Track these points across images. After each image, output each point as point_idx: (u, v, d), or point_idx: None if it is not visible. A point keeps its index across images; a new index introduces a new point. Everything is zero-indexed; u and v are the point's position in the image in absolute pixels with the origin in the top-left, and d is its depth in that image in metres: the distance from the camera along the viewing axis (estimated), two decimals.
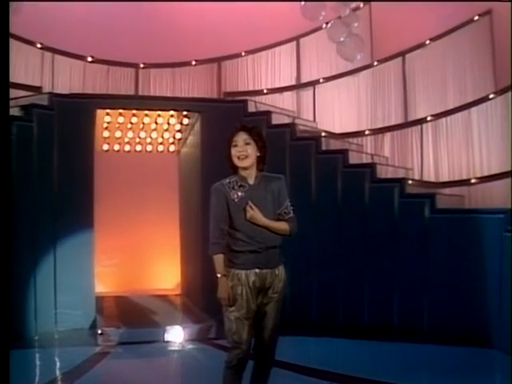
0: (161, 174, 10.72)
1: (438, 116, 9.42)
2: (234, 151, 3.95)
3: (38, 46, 10.52)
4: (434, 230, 7.12)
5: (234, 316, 3.88)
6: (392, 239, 7.34)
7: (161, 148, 10.50)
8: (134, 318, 7.66)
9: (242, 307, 3.88)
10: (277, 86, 11.90)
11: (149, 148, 10.42)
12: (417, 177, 9.34)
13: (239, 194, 3.93)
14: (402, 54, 10.64)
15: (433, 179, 9.31)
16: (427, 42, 10.44)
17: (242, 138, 3.95)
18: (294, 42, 12.22)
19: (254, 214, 3.88)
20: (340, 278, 7.58)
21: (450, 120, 9.25)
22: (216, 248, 3.92)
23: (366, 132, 10.12)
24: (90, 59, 10.99)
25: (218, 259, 3.92)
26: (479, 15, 10.05)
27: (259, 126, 8.25)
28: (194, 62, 11.90)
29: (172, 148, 10.52)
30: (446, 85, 10.31)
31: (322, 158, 7.90)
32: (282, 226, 3.97)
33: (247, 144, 3.95)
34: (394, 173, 8.54)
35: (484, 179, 8.59)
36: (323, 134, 8.77)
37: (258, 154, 3.98)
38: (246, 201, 3.90)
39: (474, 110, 9.01)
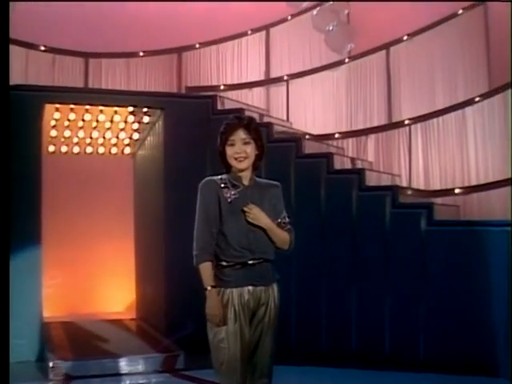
0: (113, 180, 10.45)
1: (428, 116, 9.42)
2: (230, 151, 3.82)
3: None
4: (432, 244, 7.02)
5: (224, 346, 3.69)
6: (383, 255, 7.21)
7: (114, 150, 10.20)
8: (88, 348, 7.37)
9: (233, 335, 3.69)
10: (243, 80, 11.89)
11: (101, 150, 10.11)
12: (404, 184, 9.30)
13: (232, 193, 3.80)
14: (386, 46, 10.67)
15: (422, 187, 9.29)
16: (413, 33, 10.46)
17: (240, 137, 3.81)
18: (263, 32, 12.22)
19: (257, 212, 3.74)
20: (323, 300, 7.44)
21: (441, 121, 9.26)
22: (204, 255, 3.75)
23: (347, 134, 10.06)
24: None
25: (206, 268, 3.74)
26: (471, 5, 10.09)
27: None
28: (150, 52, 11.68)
29: (128, 150, 10.26)
30: (435, 81, 10.42)
31: (302, 163, 7.76)
32: (284, 234, 3.88)
33: (246, 144, 3.82)
34: (378, 179, 8.48)
35: (481, 187, 8.59)
36: (303, 135, 8.65)
37: (256, 152, 3.88)
38: (241, 202, 3.77)
39: (468, 109, 9.03)
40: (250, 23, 11.97)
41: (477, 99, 9.00)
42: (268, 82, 11.31)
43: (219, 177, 3.88)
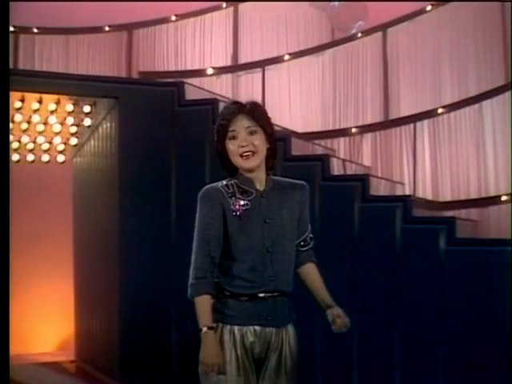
0: (44, 191, 10.50)
1: (437, 112, 9.30)
2: (232, 146, 3.45)
3: None
4: (453, 268, 6.78)
5: None
6: (392, 281, 6.99)
7: (46, 157, 10.04)
8: None
9: None
10: (206, 64, 11.85)
11: (30, 157, 9.96)
12: (408, 194, 9.16)
13: (242, 203, 3.45)
14: (382, 27, 10.53)
15: (430, 197, 9.19)
16: (416, 12, 10.38)
17: (242, 125, 3.46)
18: (231, 9, 12.13)
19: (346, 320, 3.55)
20: (319, 333, 7.15)
21: (453, 117, 9.14)
22: (202, 286, 3.40)
23: (338, 132, 9.96)
24: None
25: (203, 303, 3.39)
26: None
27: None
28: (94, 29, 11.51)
29: (61, 158, 10.07)
30: (441, 69, 10.31)
31: (291, 167, 7.42)
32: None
33: (252, 133, 3.46)
34: (377, 188, 8.31)
35: (501, 198, 8.47)
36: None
37: (268, 146, 3.52)
38: (254, 214, 3.45)
39: (486, 103, 8.89)
40: None
41: (495, 91, 8.87)
42: (240, 67, 11.18)
43: (224, 182, 3.52)
